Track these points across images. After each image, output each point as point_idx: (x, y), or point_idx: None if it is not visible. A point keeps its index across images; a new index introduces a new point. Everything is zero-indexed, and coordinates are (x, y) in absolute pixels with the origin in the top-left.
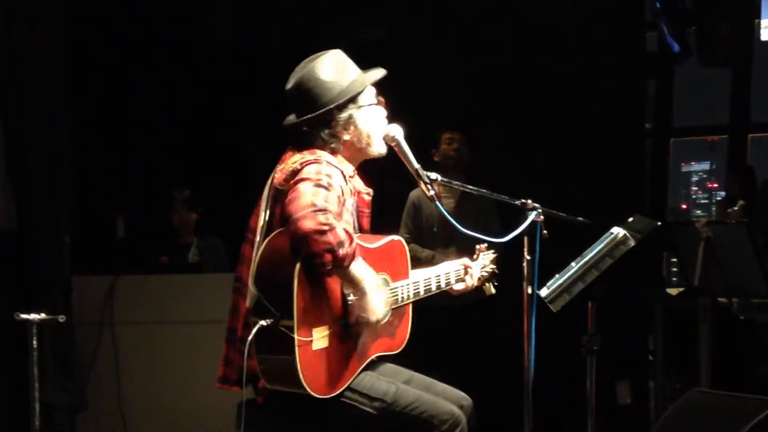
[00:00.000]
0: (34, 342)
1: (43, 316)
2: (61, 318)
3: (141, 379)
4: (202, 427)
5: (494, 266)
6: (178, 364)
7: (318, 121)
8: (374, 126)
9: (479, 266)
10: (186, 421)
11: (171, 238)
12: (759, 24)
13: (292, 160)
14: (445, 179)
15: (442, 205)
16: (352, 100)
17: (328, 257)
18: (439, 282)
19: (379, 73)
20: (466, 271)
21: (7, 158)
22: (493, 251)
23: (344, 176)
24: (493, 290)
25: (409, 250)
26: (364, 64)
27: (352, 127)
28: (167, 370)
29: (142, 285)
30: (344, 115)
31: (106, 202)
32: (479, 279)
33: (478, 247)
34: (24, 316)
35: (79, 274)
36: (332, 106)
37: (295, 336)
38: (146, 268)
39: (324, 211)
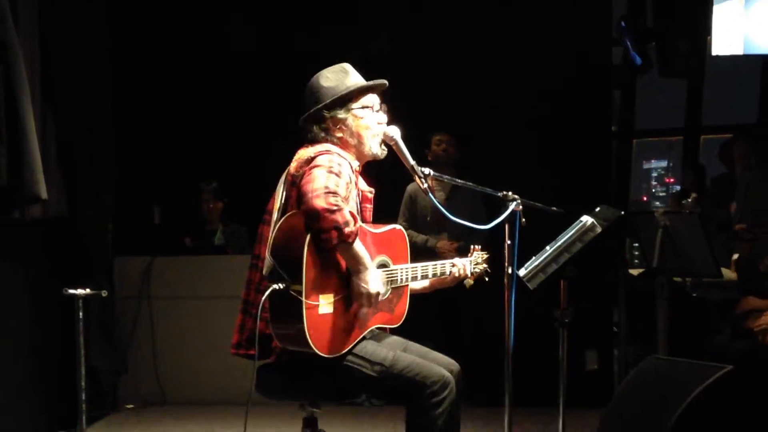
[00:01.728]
0: (81, 314)
1: (88, 291)
2: (104, 293)
3: (174, 346)
4: (225, 387)
5: (486, 265)
6: (206, 333)
7: (312, 118)
8: (366, 127)
9: (472, 261)
10: (212, 381)
11: (200, 225)
12: (710, 40)
13: (306, 151)
14: (436, 174)
15: (434, 196)
16: (340, 102)
17: (335, 234)
18: (435, 270)
19: (373, 82)
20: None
21: (58, 155)
22: (486, 252)
23: (351, 167)
24: (470, 284)
25: (407, 236)
26: (368, 75)
27: (341, 125)
28: (196, 338)
29: (175, 265)
30: (332, 114)
31: (145, 193)
32: (472, 274)
33: (472, 246)
34: (71, 291)
35: (120, 256)
36: (320, 105)
37: (303, 299)
38: (179, 250)
39: (335, 194)
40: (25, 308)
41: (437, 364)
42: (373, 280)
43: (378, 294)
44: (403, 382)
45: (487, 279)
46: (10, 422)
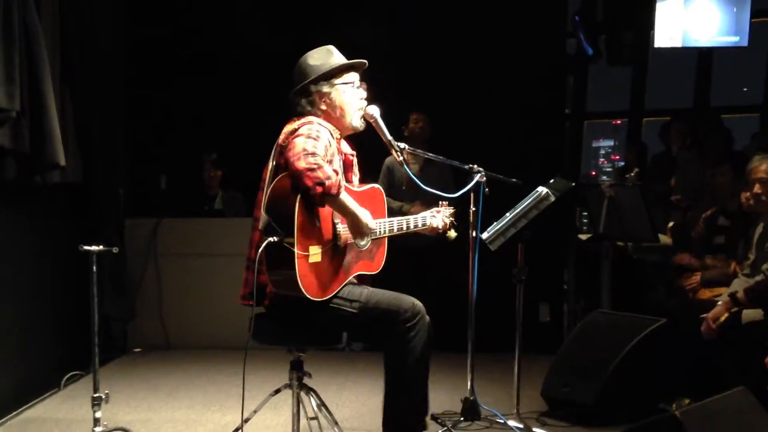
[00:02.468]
0: (94, 268)
1: (101, 248)
2: (115, 249)
3: (177, 297)
4: (221, 333)
5: (453, 219)
6: (205, 286)
7: (300, 92)
8: (347, 102)
9: (442, 216)
10: (210, 328)
11: (201, 191)
12: (653, 33)
13: (292, 124)
14: (411, 148)
15: (409, 168)
16: (325, 78)
17: (319, 189)
18: (408, 224)
19: (354, 60)
20: (435, 216)
21: (75, 127)
22: (452, 208)
23: (331, 134)
24: (454, 235)
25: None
26: (352, 58)
27: (326, 99)
28: (197, 290)
29: (179, 226)
30: (317, 88)
31: (152, 162)
32: (443, 226)
33: (441, 203)
34: (86, 247)
35: (130, 217)
36: (307, 81)
37: (295, 250)
38: (183, 213)
39: (313, 154)
40: (46, 262)
41: None
42: (368, 220)
43: (373, 231)
44: (379, 313)
45: (455, 232)
46: (33, 362)
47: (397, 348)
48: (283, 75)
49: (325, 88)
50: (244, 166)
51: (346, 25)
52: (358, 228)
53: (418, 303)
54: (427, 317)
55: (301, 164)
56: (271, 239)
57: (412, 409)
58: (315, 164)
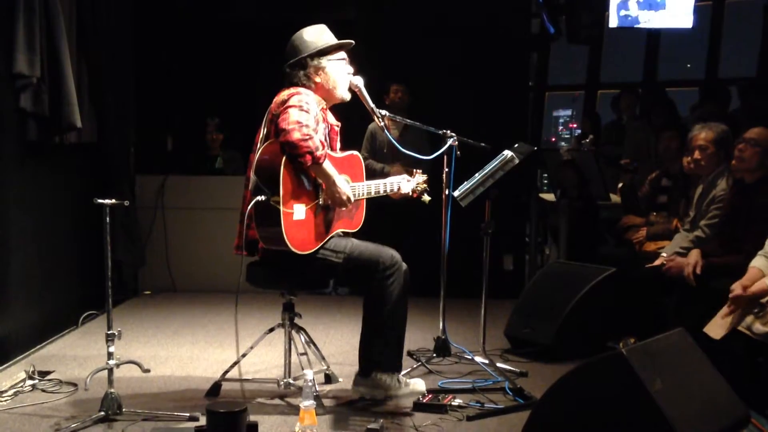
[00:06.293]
0: (108, 219)
1: (113, 201)
2: (126, 203)
3: (182, 246)
4: (222, 278)
5: (426, 185)
6: (207, 236)
7: (297, 65)
8: (338, 76)
9: (414, 182)
10: (211, 273)
11: (204, 151)
12: (608, 15)
13: (282, 95)
14: (391, 115)
15: (389, 133)
16: (321, 53)
17: (308, 157)
18: (385, 187)
19: (345, 40)
20: (407, 180)
21: (89, 92)
22: (425, 175)
23: (318, 106)
24: (428, 199)
25: (367, 165)
26: (339, 36)
27: (321, 72)
28: (199, 239)
29: (184, 183)
30: (314, 62)
31: (160, 125)
32: (414, 192)
33: (414, 171)
34: (100, 200)
35: (140, 174)
36: (305, 54)
37: (281, 207)
38: (187, 171)
39: (306, 126)
40: (65, 214)
41: None
42: (345, 188)
43: (350, 198)
44: (362, 263)
45: (429, 197)
46: (54, 303)
47: (376, 293)
48: (279, 48)
49: (322, 62)
50: (242, 130)
51: (338, 2)
52: (333, 194)
53: (397, 254)
54: (404, 266)
55: (296, 135)
56: (259, 198)
57: (385, 348)
58: (307, 135)
